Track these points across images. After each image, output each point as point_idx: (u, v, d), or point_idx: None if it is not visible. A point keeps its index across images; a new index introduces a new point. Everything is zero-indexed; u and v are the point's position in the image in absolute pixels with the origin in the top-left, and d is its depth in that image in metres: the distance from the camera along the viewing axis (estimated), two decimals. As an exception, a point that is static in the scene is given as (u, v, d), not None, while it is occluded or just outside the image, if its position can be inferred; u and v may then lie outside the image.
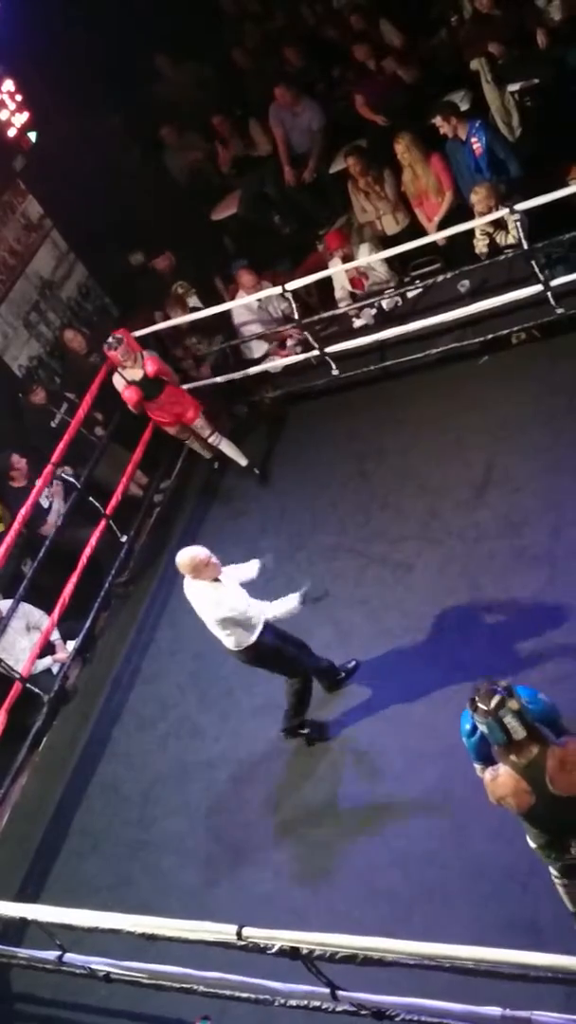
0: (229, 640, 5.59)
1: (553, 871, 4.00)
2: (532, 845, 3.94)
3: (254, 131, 9.76)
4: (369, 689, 6.04)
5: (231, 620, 5.48)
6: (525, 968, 3.40)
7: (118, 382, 7.90)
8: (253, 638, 5.55)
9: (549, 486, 6.45)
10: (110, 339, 7.77)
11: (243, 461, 8.19)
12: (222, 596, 5.44)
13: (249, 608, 5.50)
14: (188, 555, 5.45)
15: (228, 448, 8.21)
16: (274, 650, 5.68)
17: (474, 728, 3.85)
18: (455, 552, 6.49)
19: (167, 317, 8.84)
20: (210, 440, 8.14)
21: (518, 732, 3.58)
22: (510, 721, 3.56)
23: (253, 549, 7.52)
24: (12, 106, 9.00)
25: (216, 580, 5.46)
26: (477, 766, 3.96)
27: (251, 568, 5.75)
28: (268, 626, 5.60)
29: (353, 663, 6.11)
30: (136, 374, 7.79)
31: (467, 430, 7.31)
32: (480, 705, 3.60)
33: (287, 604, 5.57)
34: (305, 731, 5.95)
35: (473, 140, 7.72)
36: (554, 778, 3.61)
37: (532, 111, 8.19)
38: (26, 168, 9.33)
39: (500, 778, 3.69)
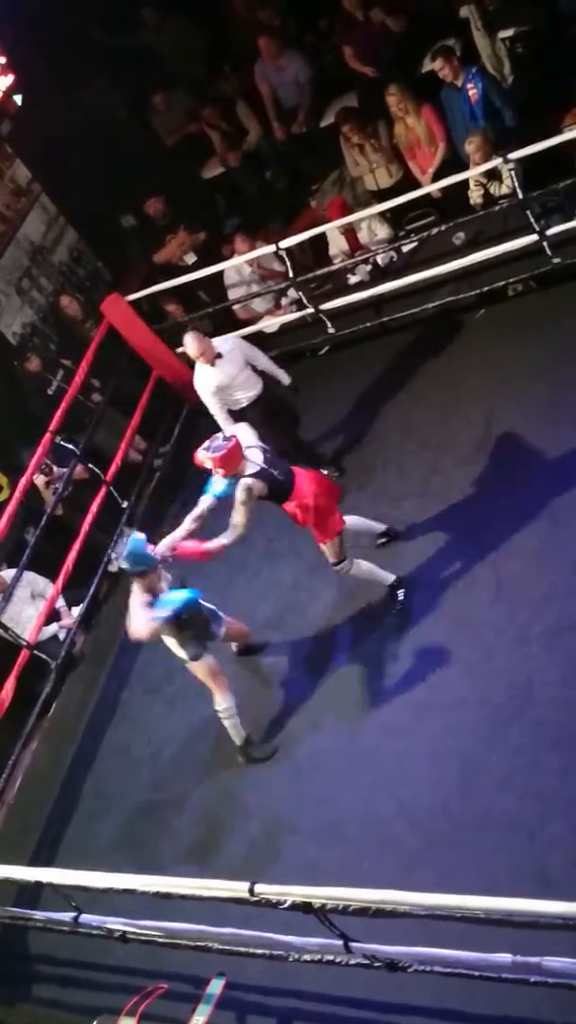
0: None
1: None
2: None
3: (242, 114, 9.54)
4: (375, 645, 6.07)
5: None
6: (535, 916, 3.44)
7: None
8: None
9: (549, 438, 6.43)
10: (216, 441, 5.55)
11: (389, 579, 6.12)
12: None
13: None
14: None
15: (366, 573, 6.08)
16: None
17: None
18: (457, 508, 6.48)
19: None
20: (336, 568, 6.00)
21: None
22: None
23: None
24: (-4, 69, 8.88)
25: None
26: None
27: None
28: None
29: None
30: None
31: (466, 384, 7.28)
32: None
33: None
34: None
35: (469, 86, 7.58)
36: None
37: (524, 58, 8.06)
38: (12, 132, 9.21)
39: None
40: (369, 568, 6.03)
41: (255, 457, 5.62)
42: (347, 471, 7.36)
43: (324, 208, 8.61)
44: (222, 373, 6.91)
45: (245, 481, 5.51)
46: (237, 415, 6.98)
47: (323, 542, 5.88)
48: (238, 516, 5.52)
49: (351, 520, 6.04)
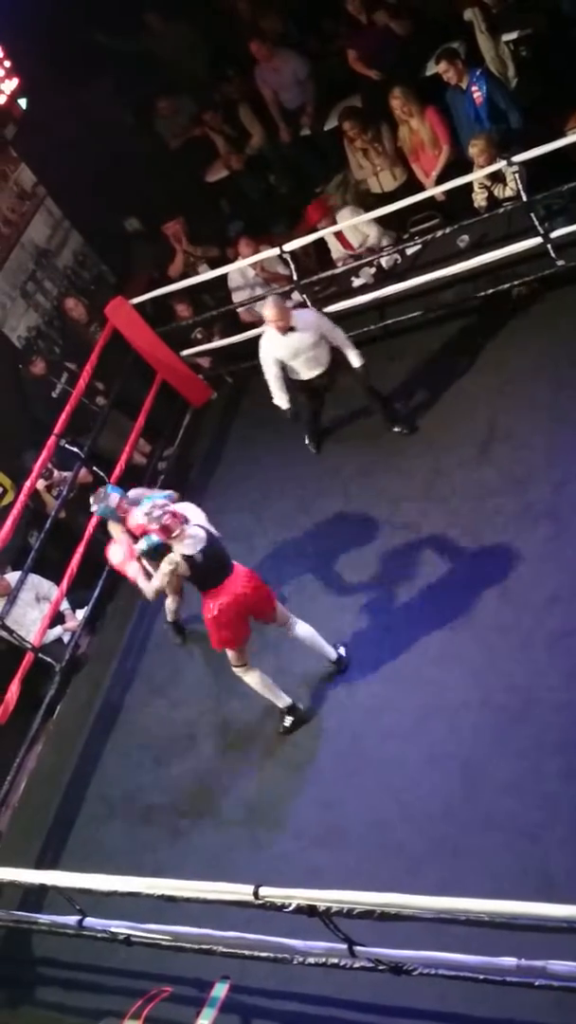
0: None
1: None
2: None
3: (245, 118, 9.53)
4: (378, 648, 6.07)
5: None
6: (540, 919, 3.44)
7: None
8: None
9: (552, 441, 6.43)
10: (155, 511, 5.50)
11: (285, 701, 6.01)
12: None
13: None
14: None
15: (260, 686, 5.99)
16: None
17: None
18: (460, 510, 6.48)
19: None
20: (235, 670, 5.95)
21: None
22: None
23: (257, 514, 7.56)
24: (1, 72, 8.87)
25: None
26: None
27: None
28: None
29: None
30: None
31: (469, 387, 7.28)
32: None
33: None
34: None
35: (474, 89, 7.57)
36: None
37: (528, 61, 8.06)
38: (17, 136, 9.22)
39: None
40: (266, 685, 5.92)
41: (195, 534, 5.55)
42: (349, 473, 7.37)
43: (304, 212, 8.60)
44: (289, 346, 6.89)
45: (172, 557, 5.53)
46: (290, 385, 7.11)
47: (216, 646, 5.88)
48: (154, 584, 5.83)
49: (305, 633, 5.94)
